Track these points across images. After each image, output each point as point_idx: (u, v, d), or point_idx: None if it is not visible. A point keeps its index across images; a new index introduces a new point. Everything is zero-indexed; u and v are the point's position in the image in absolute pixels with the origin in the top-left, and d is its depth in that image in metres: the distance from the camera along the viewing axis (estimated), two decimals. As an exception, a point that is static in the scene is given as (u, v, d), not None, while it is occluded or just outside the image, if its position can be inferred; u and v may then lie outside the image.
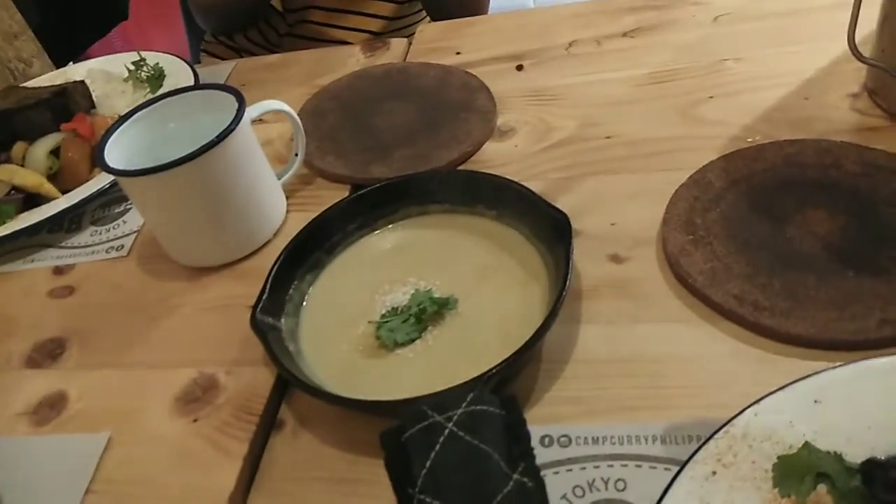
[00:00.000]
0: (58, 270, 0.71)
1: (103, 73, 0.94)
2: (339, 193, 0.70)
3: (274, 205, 0.67)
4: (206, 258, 0.65)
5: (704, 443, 0.41)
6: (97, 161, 0.60)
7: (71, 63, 1.03)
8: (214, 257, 0.65)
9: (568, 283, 0.49)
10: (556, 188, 0.65)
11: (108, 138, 0.62)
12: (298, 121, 0.68)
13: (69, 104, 0.82)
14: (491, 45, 0.86)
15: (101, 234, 0.74)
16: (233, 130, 0.59)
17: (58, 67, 1.07)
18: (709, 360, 0.49)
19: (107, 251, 0.71)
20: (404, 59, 0.88)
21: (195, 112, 0.66)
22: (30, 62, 1.48)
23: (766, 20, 0.77)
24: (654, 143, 0.66)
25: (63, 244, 0.74)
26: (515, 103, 0.76)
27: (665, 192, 0.60)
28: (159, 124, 0.66)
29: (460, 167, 0.70)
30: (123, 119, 0.64)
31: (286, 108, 0.66)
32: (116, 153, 0.62)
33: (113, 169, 0.59)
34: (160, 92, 0.89)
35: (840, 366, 0.42)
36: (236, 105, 0.62)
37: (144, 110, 0.65)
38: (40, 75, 1.44)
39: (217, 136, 0.58)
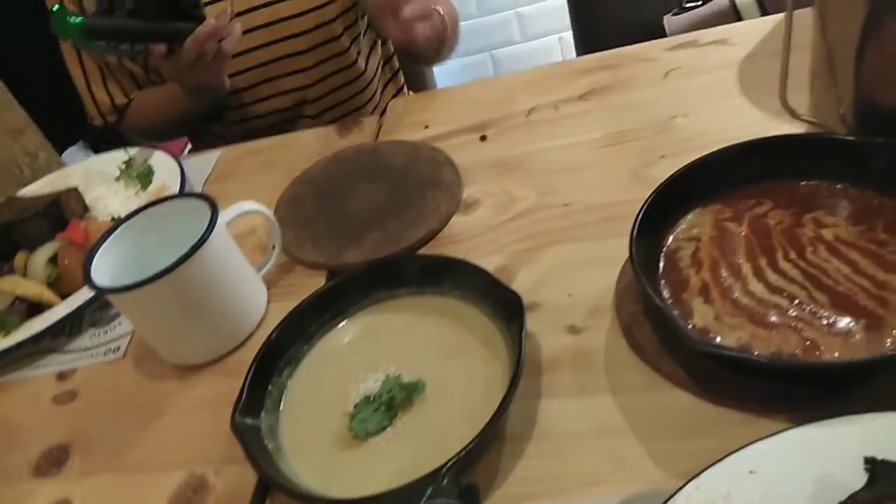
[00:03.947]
0: (61, 376, 0.75)
1: (97, 172, 1.00)
2: (317, 280, 0.74)
3: (254, 299, 0.71)
4: (192, 357, 0.69)
5: (648, 520, 0.43)
6: (84, 279, 0.64)
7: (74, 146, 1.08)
8: (200, 356, 0.69)
9: (520, 367, 0.52)
10: (518, 260, 0.68)
11: (94, 255, 0.67)
12: (272, 217, 0.72)
13: (64, 212, 0.87)
14: (456, 116, 0.90)
15: (99, 335, 0.78)
16: (206, 240, 0.63)
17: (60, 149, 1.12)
18: (664, 430, 0.51)
19: (105, 353, 0.76)
20: (376, 137, 0.92)
21: (177, 217, 0.70)
22: (35, 154, 1.55)
23: (711, 73, 0.80)
24: (609, 207, 0.69)
25: (65, 349, 0.78)
26: (480, 175, 0.79)
27: (619, 258, 0.62)
28: (144, 233, 0.71)
29: (429, 243, 0.74)
30: (108, 234, 0.69)
31: (258, 207, 0.71)
32: (105, 266, 0.67)
33: (98, 287, 0.63)
34: (150, 187, 0.94)
35: (770, 436, 0.44)
36: (210, 212, 0.66)
37: (128, 222, 0.70)
38: (46, 166, 1.51)
39: (191, 248, 0.62)
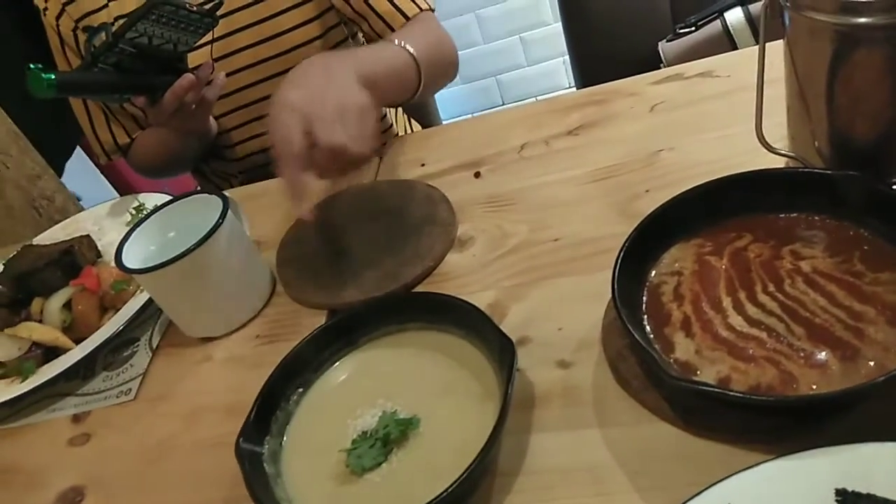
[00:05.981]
0: (76, 418, 0.78)
1: (109, 218, 1.03)
2: (317, 320, 0.76)
3: (262, 275, 0.83)
4: (213, 329, 0.80)
5: (629, 555, 0.45)
6: (116, 264, 0.76)
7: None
8: (220, 327, 0.80)
9: (505, 412, 0.53)
10: (509, 297, 0.70)
11: (123, 246, 0.78)
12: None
13: (76, 259, 0.90)
14: (452, 154, 0.92)
15: (111, 378, 0.81)
16: (221, 224, 0.75)
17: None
18: (649, 463, 0.52)
19: (117, 395, 0.79)
20: (375, 177, 0.95)
21: (193, 213, 0.81)
22: (52, 198, 1.61)
23: (696, 106, 0.82)
24: (597, 242, 0.71)
25: (79, 392, 0.82)
26: (474, 212, 0.82)
27: (606, 292, 0.64)
28: (164, 227, 0.82)
29: (425, 281, 0.76)
30: (134, 228, 0.80)
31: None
32: (133, 253, 0.78)
33: (128, 269, 0.75)
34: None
35: (748, 468, 0.46)
36: (221, 205, 0.77)
37: (150, 218, 0.82)
38: (62, 208, 1.56)
39: (206, 234, 0.74)
